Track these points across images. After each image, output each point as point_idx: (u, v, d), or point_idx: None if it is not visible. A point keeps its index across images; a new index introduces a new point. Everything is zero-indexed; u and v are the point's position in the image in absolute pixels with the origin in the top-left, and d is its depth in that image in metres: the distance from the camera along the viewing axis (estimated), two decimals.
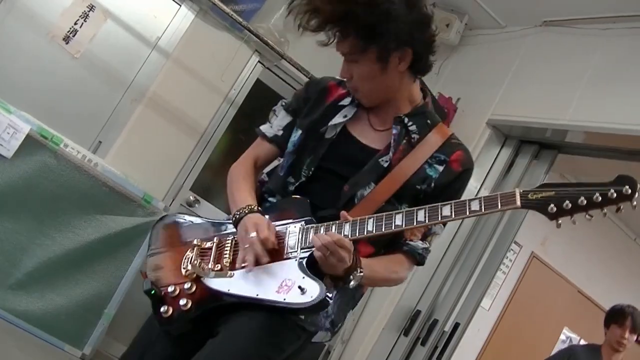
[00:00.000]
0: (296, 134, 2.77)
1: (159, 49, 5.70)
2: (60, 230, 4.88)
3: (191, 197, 5.95)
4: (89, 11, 5.39)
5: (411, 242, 2.63)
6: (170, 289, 2.56)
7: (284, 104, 2.96)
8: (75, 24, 5.36)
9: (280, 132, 2.87)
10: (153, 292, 2.56)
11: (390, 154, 2.59)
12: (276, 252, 2.45)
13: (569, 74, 5.05)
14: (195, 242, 2.68)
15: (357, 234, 2.32)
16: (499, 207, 2.16)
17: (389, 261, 2.62)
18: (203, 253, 2.64)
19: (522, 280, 8.21)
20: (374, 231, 2.30)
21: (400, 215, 2.29)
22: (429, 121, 2.70)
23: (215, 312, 2.49)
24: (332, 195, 2.56)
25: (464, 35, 6.09)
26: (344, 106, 2.75)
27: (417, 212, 2.27)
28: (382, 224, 2.30)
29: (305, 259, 2.37)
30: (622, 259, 8.55)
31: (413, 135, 2.63)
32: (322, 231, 2.38)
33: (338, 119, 2.70)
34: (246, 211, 2.57)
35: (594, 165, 5.36)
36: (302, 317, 2.47)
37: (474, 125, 5.48)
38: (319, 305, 2.26)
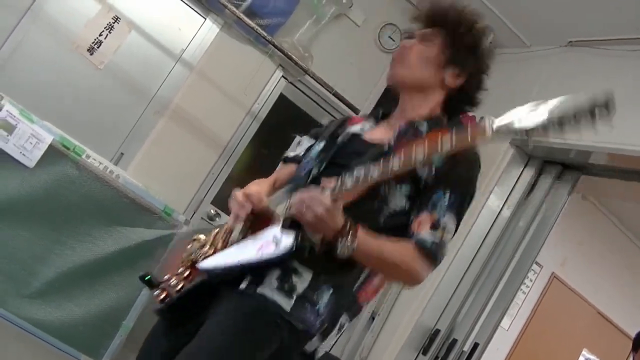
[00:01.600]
0: (319, 145, 2.81)
1: (183, 61, 5.70)
2: (80, 240, 4.87)
3: (212, 211, 5.95)
4: (113, 23, 5.40)
5: (419, 234, 2.50)
6: (166, 277, 2.68)
7: (310, 133, 3.02)
8: (100, 35, 5.37)
9: (302, 153, 2.92)
10: (147, 277, 2.73)
11: (392, 141, 2.60)
12: (267, 221, 2.50)
13: (594, 95, 5.02)
14: (195, 237, 2.82)
15: (336, 191, 2.29)
16: (469, 135, 2.11)
17: (396, 244, 2.47)
18: (202, 245, 2.75)
19: (542, 300, 8.16)
20: (350, 186, 2.28)
21: (376, 167, 2.24)
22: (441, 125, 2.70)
23: (203, 298, 2.54)
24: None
25: None
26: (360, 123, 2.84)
27: (392, 161, 2.21)
28: (360, 177, 2.27)
29: (289, 220, 2.38)
30: None
31: (421, 131, 2.64)
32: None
33: (354, 129, 2.79)
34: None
35: (617, 187, 5.33)
36: (288, 311, 2.45)
37: (497, 144, 5.45)
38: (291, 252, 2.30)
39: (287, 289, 2.46)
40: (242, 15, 5.40)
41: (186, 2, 5.67)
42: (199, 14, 5.73)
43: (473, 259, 5.40)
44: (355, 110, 5.99)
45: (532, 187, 5.45)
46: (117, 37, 5.45)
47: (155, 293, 2.65)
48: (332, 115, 6.33)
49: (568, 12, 5.22)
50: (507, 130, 2.01)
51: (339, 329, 2.68)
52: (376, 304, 5.52)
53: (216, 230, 2.76)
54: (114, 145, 5.53)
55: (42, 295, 4.76)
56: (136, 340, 5.16)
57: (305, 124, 6.26)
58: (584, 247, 8.02)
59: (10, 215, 4.64)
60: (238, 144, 5.98)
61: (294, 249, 2.29)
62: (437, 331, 5.31)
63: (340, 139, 2.75)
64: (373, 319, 5.56)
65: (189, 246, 2.79)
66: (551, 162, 5.39)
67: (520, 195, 5.43)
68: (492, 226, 5.44)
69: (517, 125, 1.97)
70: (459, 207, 2.59)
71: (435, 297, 5.32)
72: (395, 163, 2.19)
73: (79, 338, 4.86)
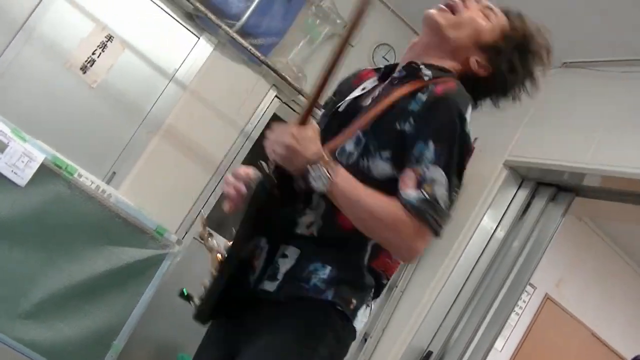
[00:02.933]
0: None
1: (176, 80, 5.70)
2: (71, 260, 4.84)
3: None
4: (107, 41, 5.40)
5: (402, 192, 2.23)
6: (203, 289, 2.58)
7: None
8: (93, 54, 5.36)
9: None
10: (184, 292, 2.64)
11: (376, 93, 2.52)
12: None
13: (588, 116, 5.02)
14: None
15: (301, 116, 2.24)
16: None
17: (383, 197, 2.25)
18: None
19: (535, 321, 8.13)
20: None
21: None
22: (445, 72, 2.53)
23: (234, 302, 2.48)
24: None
25: None
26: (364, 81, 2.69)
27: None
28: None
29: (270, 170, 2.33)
30: (636, 300, 8.47)
31: (424, 74, 2.46)
32: None
33: (355, 93, 2.63)
34: None
35: (611, 209, 5.33)
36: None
37: (491, 165, 5.45)
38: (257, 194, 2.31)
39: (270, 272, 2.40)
40: (235, 35, 5.40)
41: (180, 21, 5.67)
42: (192, 33, 5.73)
43: (467, 280, 5.39)
44: None
45: (526, 208, 5.44)
46: (111, 56, 5.44)
47: (195, 301, 2.55)
48: None
49: (563, 33, 5.18)
50: None
51: (365, 304, 2.47)
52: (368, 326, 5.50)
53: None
54: (107, 164, 5.51)
55: (32, 316, 4.72)
56: None
57: None
58: (578, 269, 8.01)
59: (0, 234, 4.61)
60: (231, 163, 5.95)
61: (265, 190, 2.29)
62: (430, 353, 5.28)
63: (341, 108, 2.60)
64: (365, 340, 5.54)
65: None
66: (545, 184, 5.39)
67: (514, 216, 5.43)
68: (485, 247, 5.43)
69: None
70: (448, 157, 2.28)
71: (428, 318, 5.31)
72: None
73: (70, 358, 4.82)
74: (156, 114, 5.64)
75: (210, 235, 2.69)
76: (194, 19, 5.63)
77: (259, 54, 5.53)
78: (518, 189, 5.49)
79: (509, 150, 5.44)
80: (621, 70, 4.94)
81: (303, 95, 5.78)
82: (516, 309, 7.38)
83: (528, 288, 7.59)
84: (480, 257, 5.43)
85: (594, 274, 8.04)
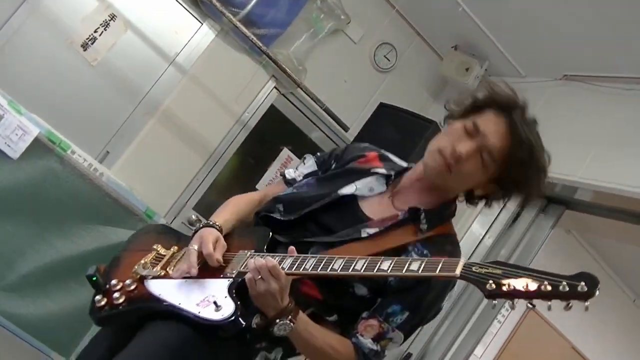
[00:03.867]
0: (315, 181, 2.75)
1: (176, 64, 5.69)
2: (59, 236, 4.82)
3: (193, 216, 5.91)
4: (110, 20, 5.38)
5: (361, 338, 2.42)
6: (113, 282, 2.58)
7: (317, 155, 2.93)
8: (95, 31, 5.35)
9: (300, 178, 2.84)
10: (94, 278, 2.63)
11: (378, 229, 2.49)
12: (215, 270, 2.41)
13: (585, 130, 5.03)
14: (155, 246, 2.70)
15: (294, 269, 2.22)
16: (437, 272, 1.98)
17: (336, 339, 2.44)
18: (158, 258, 2.64)
19: (516, 330, 8.14)
20: (309, 270, 2.19)
21: (340, 260, 2.15)
22: (442, 221, 2.58)
23: (146, 317, 2.44)
24: (299, 240, 2.49)
25: (482, 80, 6.05)
26: (375, 174, 2.68)
27: (357, 261, 2.12)
28: (320, 265, 2.18)
29: (238, 282, 2.31)
30: (619, 318, 8.48)
31: (422, 227, 2.50)
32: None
33: (363, 190, 2.63)
34: (204, 225, 2.58)
35: (600, 224, 5.34)
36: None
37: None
38: (228, 326, 2.20)
39: None
40: (238, 24, 5.39)
41: (184, 5, 5.66)
42: (196, 18, 5.73)
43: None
44: (345, 128, 5.98)
45: (515, 217, 5.45)
46: (113, 35, 5.42)
47: (97, 298, 2.56)
48: (321, 130, 6.32)
49: (565, 46, 5.23)
50: (476, 283, 1.93)
51: None
52: None
53: (174, 250, 2.67)
54: (101, 143, 5.50)
55: (17, 289, 4.69)
56: None
57: (294, 137, 6.26)
58: None
59: None
60: (225, 151, 5.95)
61: (238, 328, 2.23)
62: (409, 355, 5.29)
63: (343, 191, 2.60)
64: None
65: (144, 257, 2.65)
66: None
67: (503, 225, 5.43)
68: (473, 252, 5.44)
69: (487, 286, 1.89)
70: (412, 328, 2.51)
71: None
72: (359, 265, 2.11)
73: (51, 335, 4.79)
74: (154, 97, 5.63)
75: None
76: (199, 5, 5.61)
77: (260, 44, 5.51)
78: (509, 198, 5.49)
79: None
80: (621, 87, 4.95)
81: (302, 89, 5.77)
82: (499, 316, 7.39)
83: None
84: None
85: None
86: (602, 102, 5.07)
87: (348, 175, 2.68)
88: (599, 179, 4.69)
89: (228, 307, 2.22)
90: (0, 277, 4.63)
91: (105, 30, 5.38)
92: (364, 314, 2.46)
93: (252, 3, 5.54)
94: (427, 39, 6.67)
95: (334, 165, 2.80)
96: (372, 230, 2.48)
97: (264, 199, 2.84)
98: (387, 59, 6.43)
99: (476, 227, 5.44)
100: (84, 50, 5.33)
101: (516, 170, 2.47)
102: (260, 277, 2.20)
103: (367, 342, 2.42)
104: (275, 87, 6.12)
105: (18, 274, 4.68)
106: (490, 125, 2.47)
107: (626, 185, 4.51)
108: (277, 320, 2.23)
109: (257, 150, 6.14)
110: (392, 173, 2.67)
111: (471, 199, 2.63)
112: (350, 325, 2.48)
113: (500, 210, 5.45)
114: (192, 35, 5.74)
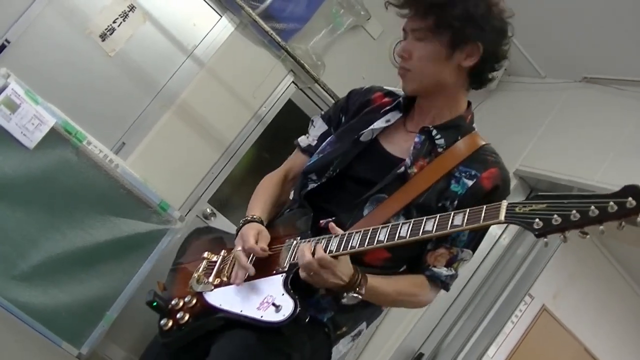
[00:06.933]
0: (334, 139, 2.73)
1: (194, 57, 5.67)
2: (72, 226, 4.82)
3: (208, 210, 5.91)
4: (129, 11, 5.37)
5: (434, 269, 2.48)
6: (174, 301, 2.58)
7: (322, 113, 2.93)
8: (114, 22, 5.33)
9: (315, 142, 2.84)
10: (155, 304, 2.59)
11: (409, 162, 2.47)
12: (268, 267, 2.42)
13: (603, 134, 4.98)
14: (205, 255, 2.70)
15: (342, 250, 2.20)
16: (481, 222, 1.96)
17: (408, 284, 2.50)
18: (210, 266, 2.65)
19: (529, 331, 8.11)
20: (357, 247, 2.17)
21: (385, 229, 2.14)
22: (459, 136, 2.54)
23: (212, 330, 2.45)
24: (347, 203, 2.49)
25: (502, 80, 6.01)
26: (387, 111, 2.68)
27: (400, 227, 2.10)
28: (366, 239, 2.17)
29: (291, 276, 2.33)
30: (632, 321, 8.45)
31: (439, 148, 2.49)
32: (313, 246, 2.27)
33: (380, 123, 2.64)
34: (243, 222, 2.59)
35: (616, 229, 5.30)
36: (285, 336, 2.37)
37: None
38: (291, 324, 2.22)
39: None
40: (257, 18, 5.36)
41: None
42: (215, 11, 5.71)
43: (467, 284, 5.37)
44: None
45: None
46: (131, 26, 5.41)
47: (162, 322, 2.55)
48: None
49: (586, 48, 5.19)
50: (523, 224, 1.91)
51: (356, 335, 2.70)
52: None
53: (224, 254, 2.68)
54: (117, 134, 5.49)
55: (29, 278, 4.70)
56: (118, 331, 5.13)
57: None
58: (576, 282, 7.99)
59: (4, 194, 4.59)
60: (241, 145, 5.94)
61: (302, 322, 2.26)
62: (421, 355, 5.27)
63: (364, 138, 2.60)
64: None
65: (196, 267, 2.66)
66: None
67: (519, 227, 5.39)
68: (489, 252, 5.41)
69: (535, 225, 1.85)
70: (478, 241, 2.57)
71: (424, 318, 5.29)
72: (404, 231, 2.10)
73: (62, 324, 4.80)
74: (171, 89, 5.62)
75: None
76: None
77: (279, 39, 5.48)
78: (526, 199, 5.46)
79: (520, 159, 5.42)
80: None
81: (319, 84, 5.73)
82: (512, 317, 7.37)
83: (526, 298, 7.58)
84: (482, 261, 5.41)
85: (592, 289, 8.02)
86: (621, 106, 5.02)
87: (364, 123, 2.66)
88: (616, 184, 4.64)
89: (287, 306, 2.24)
90: (13, 266, 4.64)
91: (124, 21, 5.37)
92: (429, 246, 2.50)
93: None
94: None
95: (344, 119, 2.80)
96: (410, 170, 2.47)
97: (289, 172, 2.88)
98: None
99: (493, 227, 5.40)
100: (102, 41, 5.32)
101: (442, 14, 2.42)
102: (312, 272, 2.22)
103: (442, 270, 2.50)
104: (293, 81, 6.10)
105: (30, 263, 4.69)
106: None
107: None
108: (345, 294, 2.27)
109: (273, 145, 6.12)
110: (400, 99, 2.69)
111: (474, 83, 2.59)
112: (418, 266, 2.53)
113: None
114: (211, 28, 5.72)
